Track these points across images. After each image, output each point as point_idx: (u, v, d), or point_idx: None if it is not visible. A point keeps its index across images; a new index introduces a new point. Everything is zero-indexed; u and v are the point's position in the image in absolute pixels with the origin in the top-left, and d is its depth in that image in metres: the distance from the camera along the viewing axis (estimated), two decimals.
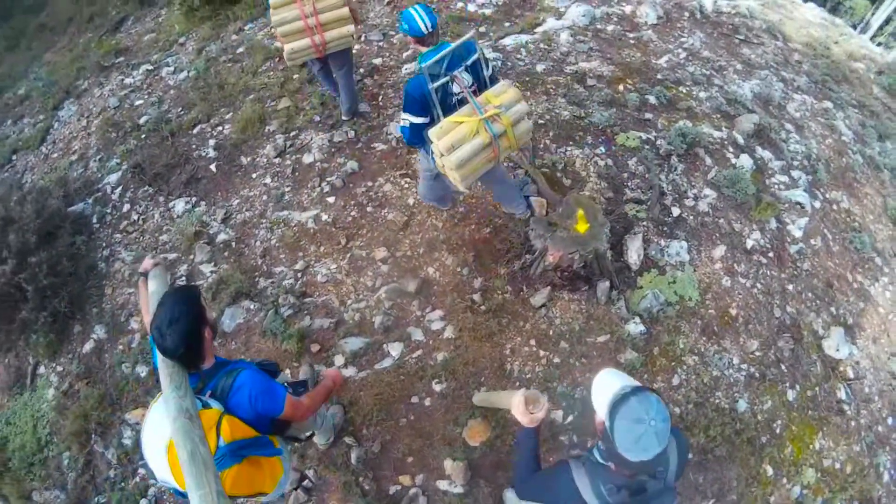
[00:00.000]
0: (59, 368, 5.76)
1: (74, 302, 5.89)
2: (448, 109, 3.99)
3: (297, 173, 6.05)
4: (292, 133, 6.38)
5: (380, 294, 5.19)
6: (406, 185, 5.72)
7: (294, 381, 3.82)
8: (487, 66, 4.12)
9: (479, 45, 4.07)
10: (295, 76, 7.02)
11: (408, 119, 4.15)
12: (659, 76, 7.16)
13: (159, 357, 2.69)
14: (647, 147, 6.17)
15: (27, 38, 10.89)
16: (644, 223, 5.55)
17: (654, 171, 5.92)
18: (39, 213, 6.14)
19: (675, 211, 5.76)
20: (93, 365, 5.60)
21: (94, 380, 5.51)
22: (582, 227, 4.79)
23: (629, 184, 5.84)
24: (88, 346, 5.68)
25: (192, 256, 5.73)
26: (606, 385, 2.35)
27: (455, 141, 3.85)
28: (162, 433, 2.53)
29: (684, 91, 7.08)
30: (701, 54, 7.86)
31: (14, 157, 7.90)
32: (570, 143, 6.03)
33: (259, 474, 2.81)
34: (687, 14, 8.58)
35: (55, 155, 7.54)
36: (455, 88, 4.00)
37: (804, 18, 10.52)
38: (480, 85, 4.10)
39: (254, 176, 6.15)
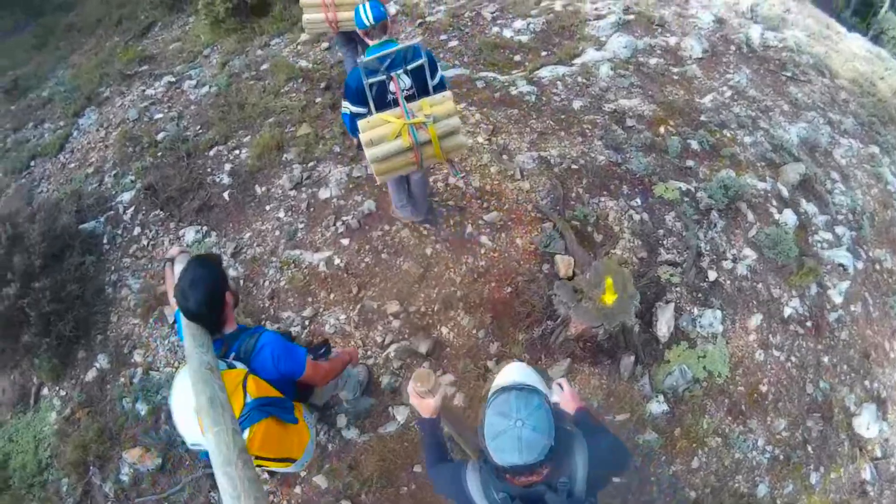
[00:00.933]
0: (63, 393, 5.61)
1: (80, 326, 5.71)
2: (384, 106, 4.03)
3: (312, 209, 5.76)
4: (310, 164, 6.08)
5: (389, 352, 4.90)
6: (425, 233, 5.39)
7: (315, 344, 3.77)
8: (434, 75, 4.12)
9: (428, 50, 4.10)
10: (317, 100, 6.72)
11: (347, 107, 4.27)
12: (703, 118, 6.73)
13: (183, 322, 2.79)
14: (686, 200, 5.78)
15: (56, 36, 10.73)
16: (678, 288, 5.20)
17: (693, 230, 5.53)
18: (46, 234, 5.92)
19: (712, 275, 5.41)
20: (94, 395, 5.44)
21: (94, 410, 5.36)
22: (609, 299, 4.45)
23: (665, 242, 5.45)
24: (91, 375, 5.51)
25: None
26: (504, 377, 2.19)
27: (376, 137, 3.90)
28: (190, 397, 2.55)
29: (728, 135, 6.65)
30: (747, 93, 7.41)
31: (32, 164, 7.73)
32: (605, 192, 5.66)
33: (287, 435, 2.88)
34: (733, 48, 8.11)
35: (72, 165, 7.35)
36: (392, 87, 4.02)
37: (850, 51, 10.08)
38: (421, 90, 4.10)
39: (267, 208, 5.88)
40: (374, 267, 5.29)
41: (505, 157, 5.86)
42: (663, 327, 4.90)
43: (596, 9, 8.04)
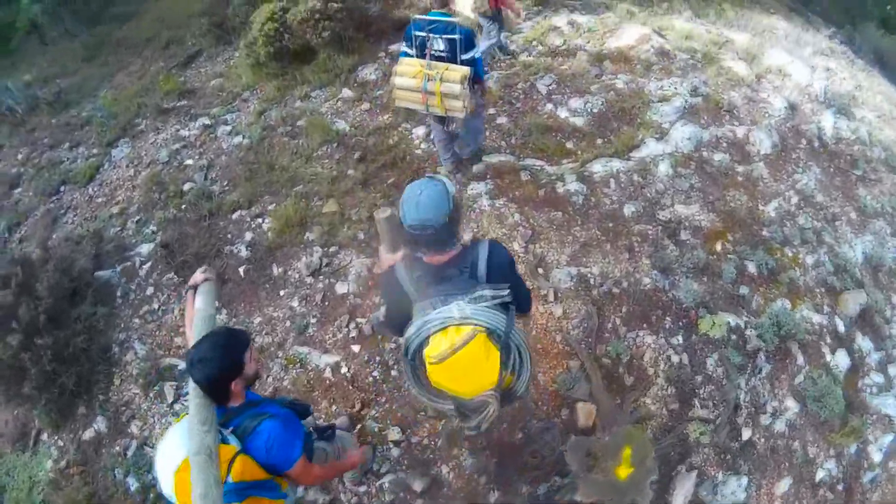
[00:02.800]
0: (60, 443, 5.50)
1: (82, 382, 5.55)
2: (423, 56, 5.18)
3: (326, 303, 5.40)
4: (331, 249, 5.71)
5: (383, 482, 4.50)
6: None
7: (322, 426, 3.69)
8: (466, 52, 5.08)
9: (467, 31, 5.10)
10: (349, 172, 6.34)
11: (403, 45, 5.47)
12: (765, 232, 6.12)
13: (190, 384, 2.75)
14: (733, 338, 5.23)
15: (105, 51, 10.58)
16: (705, 450, 4.69)
17: (734, 379, 5.00)
18: (54, 288, 5.74)
19: (746, 433, 4.88)
20: (90, 456, 5.29)
21: (88, 472, 5.23)
22: (624, 472, 4.05)
23: (701, 392, 4.92)
24: (88, 434, 5.37)
25: None
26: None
27: (402, 71, 5.20)
28: (176, 454, 2.62)
29: (790, 255, 6.04)
30: (814, 199, 6.76)
31: (62, 189, 7.59)
32: (644, 325, 5.14)
33: None
34: (804, 142, 7.43)
35: (99, 200, 7.16)
36: (429, 44, 5.11)
37: None
38: (452, 58, 5.08)
39: (281, 293, 5.55)
40: (381, 384, 4.90)
41: (541, 270, 5.38)
42: (679, 499, 4.42)
43: (661, 88, 7.42)
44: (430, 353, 2.57)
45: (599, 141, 6.68)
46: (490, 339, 2.54)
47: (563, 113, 6.99)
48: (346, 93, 7.41)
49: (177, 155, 7.17)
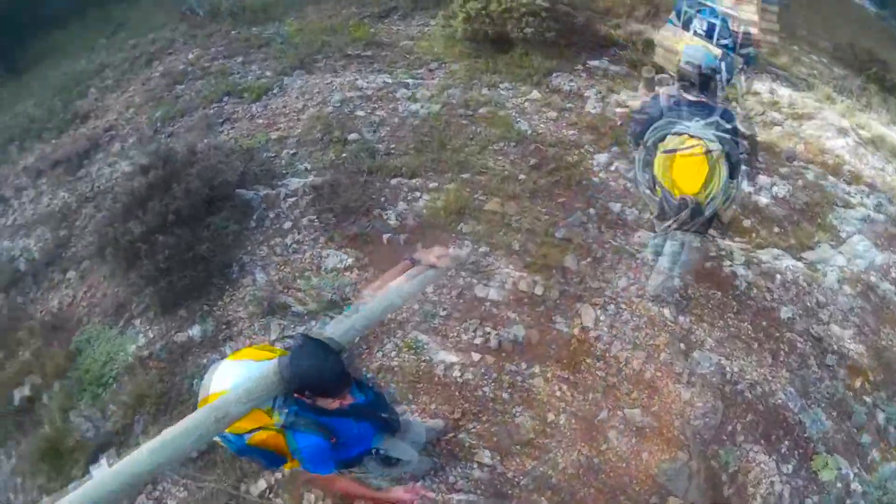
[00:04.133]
0: (150, 335, 5.55)
1: (193, 288, 5.58)
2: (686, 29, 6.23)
3: (461, 300, 5.29)
4: (482, 249, 5.61)
5: (456, 498, 4.35)
6: (558, 393, 4.78)
7: (391, 457, 3.41)
8: (721, 38, 6.13)
9: (726, 19, 6.20)
10: (520, 177, 6.21)
11: (672, 14, 6.57)
12: None
13: (276, 360, 2.51)
14: (838, 487, 4.82)
15: None
16: None
17: None
18: (191, 193, 5.77)
19: None
20: (175, 358, 5.31)
21: (168, 371, 5.23)
22: None
23: None
24: (181, 338, 5.40)
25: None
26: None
27: (666, 36, 6.28)
28: (224, 382, 2.62)
29: None
30: None
31: (225, 99, 7.75)
32: (762, 442, 4.81)
33: None
34: None
35: (260, 121, 7.29)
36: (693, 22, 6.17)
37: None
38: (709, 38, 6.03)
39: None
40: (487, 402, 4.76)
41: (682, 346, 5.13)
42: None
43: (848, 193, 6.95)
44: (665, 145, 3.79)
45: (777, 229, 6.30)
46: (707, 156, 3.65)
47: (747, 187, 6.61)
48: (536, 94, 7.26)
49: (349, 103, 7.20)
